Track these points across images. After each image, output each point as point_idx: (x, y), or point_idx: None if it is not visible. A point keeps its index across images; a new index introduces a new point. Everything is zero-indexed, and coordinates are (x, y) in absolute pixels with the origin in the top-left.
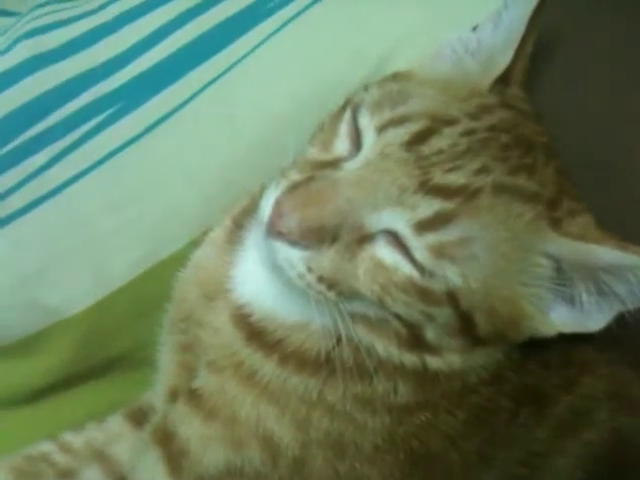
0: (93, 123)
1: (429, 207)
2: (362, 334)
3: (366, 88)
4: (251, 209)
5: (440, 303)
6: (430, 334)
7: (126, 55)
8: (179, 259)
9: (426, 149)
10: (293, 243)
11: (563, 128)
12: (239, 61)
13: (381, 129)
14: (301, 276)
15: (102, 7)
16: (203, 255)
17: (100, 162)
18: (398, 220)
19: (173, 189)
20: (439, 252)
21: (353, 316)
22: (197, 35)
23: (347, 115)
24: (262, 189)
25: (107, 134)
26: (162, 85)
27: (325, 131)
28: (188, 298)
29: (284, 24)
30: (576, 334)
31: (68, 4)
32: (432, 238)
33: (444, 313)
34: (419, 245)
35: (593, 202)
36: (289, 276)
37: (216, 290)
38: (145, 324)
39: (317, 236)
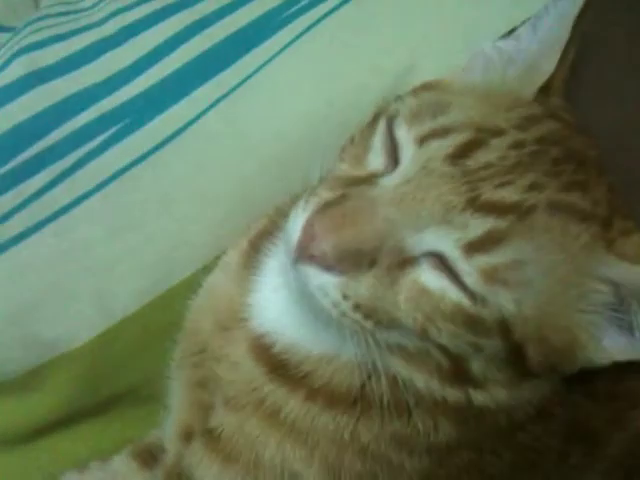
0: (95, 143)
1: (480, 226)
2: (400, 366)
3: (400, 98)
4: (268, 231)
5: (490, 333)
6: (476, 367)
7: (129, 71)
8: (190, 286)
9: (473, 163)
10: (327, 268)
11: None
12: (249, 77)
13: (422, 141)
14: (336, 304)
15: (102, 21)
16: (216, 281)
17: (103, 184)
18: (445, 241)
19: (182, 211)
20: (491, 276)
21: (390, 346)
22: (204, 49)
23: (381, 126)
24: (279, 211)
25: (111, 154)
26: (169, 102)
27: (356, 144)
28: (201, 329)
29: (296, 37)
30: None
31: (65, 18)
32: (484, 260)
33: (493, 344)
34: (469, 269)
35: None
36: (322, 304)
37: (232, 319)
38: (153, 357)
39: (354, 260)
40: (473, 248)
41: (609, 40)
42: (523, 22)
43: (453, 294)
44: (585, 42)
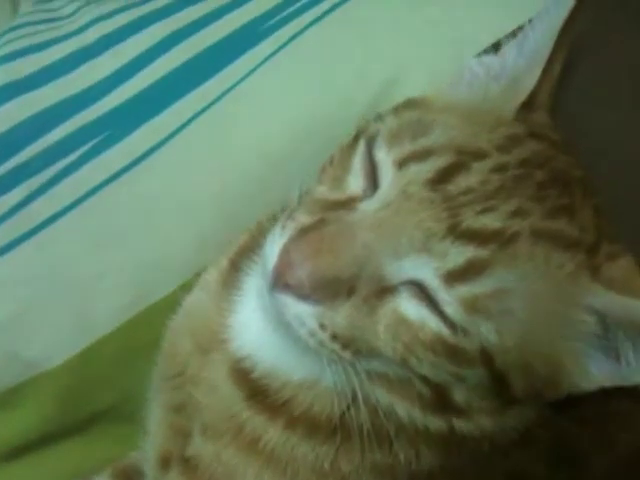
0: (74, 156)
1: (460, 254)
2: (380, 395)
3: (380, 117)
4: (249, 248)
5: (472, 363)
6: (459, 396)
7: (109, 82)
8: (170, 304)
9: (454, 188)
10: (304, 297)
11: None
12: (232, 88)
13: (401, 164)
14: (312, 334)
15: (81, 30)
16: (196, 301)
17: (83, 199)
18: (424, 269)
19: (163, 227)
20: (472, 306)
21: (370, 375)
22: (185, 60)
23: (361, 148)
24: (260, 226)
25: (90, 167)
26: (149, 114)
27: (335, 166)
28: (180, 350)
29: (280, 47)
30: None
31: (43, 26)
32: (464, 290)
33: (476, 373)
34: (449, 298)
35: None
36: (298, 334)
37: (211, 341)
38: (134, 375)
39: (331, 289)
40: (453, 277)
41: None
42: (507, 36)
43: (433, 324)
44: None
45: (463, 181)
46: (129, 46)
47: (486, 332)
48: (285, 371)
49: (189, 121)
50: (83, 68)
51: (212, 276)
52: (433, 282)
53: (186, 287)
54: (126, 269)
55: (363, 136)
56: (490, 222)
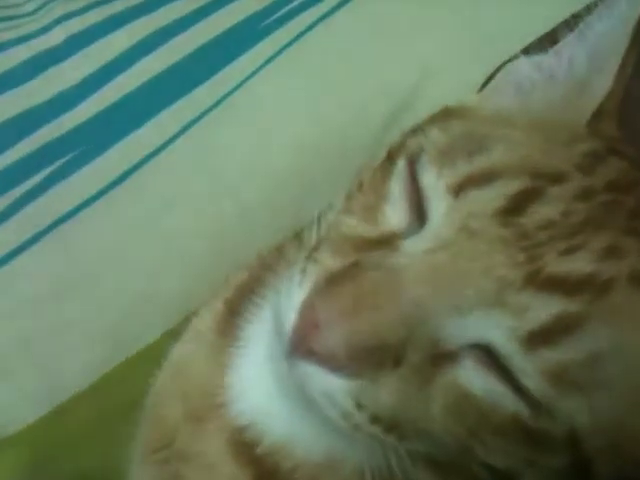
0: (36, 179)
1: (545, 309)
2: (425, 477)
3: (421, 130)
4: (249, 287)
5: (555, 449)
6: None
7: (79, 89)
8: (153, 356)
9: (529, 221)
10: (336, 368)
11: None
12: (226, 96)
13: (458, 190)
14: (346, 416)
15: (47, 29)
16: (185, 354)
17: (45, 231)
18: (496, 330)
19: (144, 262)
20: (560, 378)
21: (414, 456)
22: (170, 63)
23: (400, 169)
24: (262, 260)
25: (56, 193)
26: (128, 128)
27: (367, 192)
28: (167, 416)
29: (282, 48)
30: None
31: (4, 24)
32: (550, 356)
33: (555, 460)
34: (530, 368)
35: None
36: (325, 414)
37: (206, 405)
38: (110, 442)
39: (373, 357)
40: (535, 340)
41: None
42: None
43: (508, 402)
44: None
45: (540, 212)
46: (103, 48)
47: (577, 411)
48: (301, 447)
49: (175, 136)
50: (48, 74)
51: (205, 322)
52: (508, 346)
53: (172, 335)
54: (100, 314)
55: (402, 154)
56: (579, 265)
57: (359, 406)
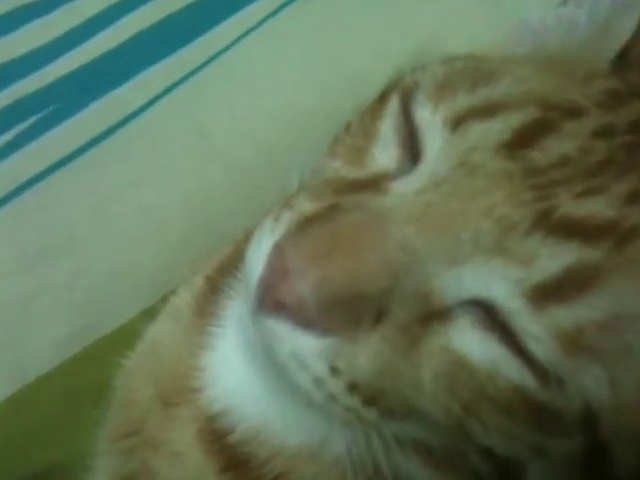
0: (7, 137)
1: (557, 258)
2: (416, 471)
3: (420, 67)
4: (233, 264)
5: (567, 430)
6: (534, 475)
7: (59, 44)
8: (126, 337)
9: (541, 155)
10: (305, 324)
11: None
12: (215, 57)
13: (456, 123)
14: (318, 382)
15: None
16: (161, 333)
17: (14, 193)
18: (497, 282)
19: (119, 234)
20: (574, 342)
21: (402, 442)
22: (157, 20)
23: (393, 106)
24: (249, 235)
25: (27, 152)
26: (108, 85)
27: (355, 133)
28: (136, 401)
29: (279, 8)
30: None
31: None
32: (562, 316)
33: (566, 444)
34: (538, 329)
35: None
36: (296, 382)
37: (178, 389)
38: (78, 429)
39: (350, 312)
40: (545, 295)
41: None
42: None
43: (511, 370)
44: None
45: (554, 146)
46: (85, 3)
47: (594, 383)
48: (277, 433)
49: (159, 96)
50: (27, 28)
51: (183, 300)
52: (511, 302)
53: (149, 315)
54: (68, 289)
55: (396, 91)
56: (600, 209)
57: (333, 371)
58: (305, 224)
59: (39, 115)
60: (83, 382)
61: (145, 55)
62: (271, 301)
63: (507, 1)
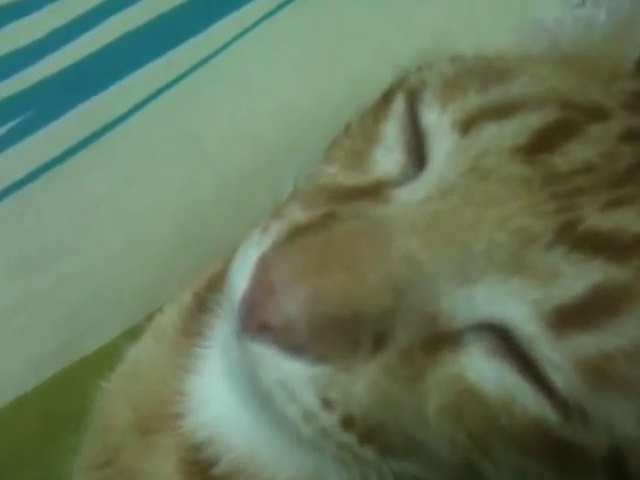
0: None
1: (582, 277)
2: None
3: (426, 66)
4: (223, 280)
5: (590, 469)
6: None
7: (43, 44)
8: (107, 358)
9: (562, 161)
10: (295, 349)
11: None
12: (207, 59)
13: (466, 125)
14: (309, 416)
15: None
16: (143, 354)
17: None
18: (515, 304)
19: (103, 248)
20: (600, 372)
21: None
22: (146, 20)
23: (397, 108)
24: (236, 248)
25: (3, 160)
26: (92, 89)
27: (354, 136)
28: (114, 427)
29: (280, 6)
30: None
31: None
32: (587, 343)
33: None
34: (560, 357)
35: None
36: (283, 413)
37: (159, 416)
38: (56, 456)
39: (345, 336)
40: (567, 319)
41: None
42: None
43: (528, 402)
44: None
45: (577, 151)
46: (70, 3)
47: (620, 417)
48: (266, 467)
49: (147, 100)
50: (10, 28)
51: (169, 318)
52: (529, 327)
53: (133, 334)
54: (48, 306)
55: (401, 91)
56: (629, 222)
57: (326, 403)
58: (295, 234)
59: (19, 119)
60: (62, 405)
61: (132, 57)
62: (255, 322)
63: (515, 1)
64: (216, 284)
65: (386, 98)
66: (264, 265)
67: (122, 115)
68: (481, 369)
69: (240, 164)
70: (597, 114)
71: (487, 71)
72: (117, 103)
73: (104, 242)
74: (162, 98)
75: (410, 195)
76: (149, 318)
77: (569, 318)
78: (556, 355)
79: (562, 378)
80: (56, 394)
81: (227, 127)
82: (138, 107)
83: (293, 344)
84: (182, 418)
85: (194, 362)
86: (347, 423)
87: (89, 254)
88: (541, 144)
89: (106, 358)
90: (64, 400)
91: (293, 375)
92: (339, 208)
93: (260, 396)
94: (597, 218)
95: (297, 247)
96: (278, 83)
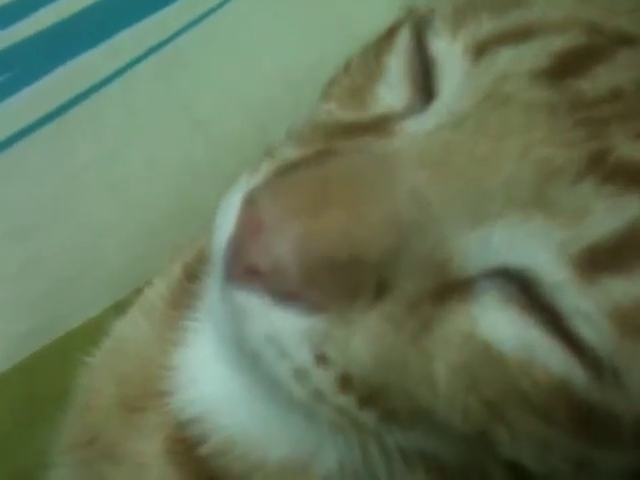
0: None
1: (615, 212)
2: None
3: None
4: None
5: (623, 440)
6: None
7: (19, 4)
8: (93, 334)
9: (589, 86)
10: (284, 297)
11: None
12: (200, 19)
13: (481, 51)
14: (302, 374)
15: None
16: (129, 328)
17: None
18: (537, 246)
19: (89, 218)
20: (635, 322)
21: (407, 457)
22: None
23: (403, 40)
24: None
25: None
26: (74, 50)
27: (355, 72)
28: (97, 405)
29: None
30: None
31: None
32: (621, 288)
33: (621, 458)
34: (590, 306)
35: None
36: (273, 374)
37: (145, 393)
38: (39, 439)
39: (342, 282)
40: (599, 261)
41: None
42: None
43: (552, 360)
44: None
45: (605, 76)
46: None
47: None
48: (257, 445)
49: (134, 62)
50: None
51: (158, 291)
52: (555, 271)
53: (120, 309)
54: (29, 276)
55: (406, 23)
56: None
57: (320, 359)
58: (288, 169)
59: None
60: (44, 386)
61: (120, 16)
62: (240, 266)
63: None
64: (207, 254)
65: (390, 32)
66: (251, 202)
67: (108, 77)
68: (496, 322)
69: (235, 130)
70: (625, 39)
71: None
72: (103, 65)
73: (90, 211)
74: (151, 60)
75: (417, 126)
76: (138, 292)
77: (600, 261)
78: (586, 304)
79: (592, 331)
80: (39, 372)
81: (221, 90)
82: (125, 69)
83: (283, 291)
84: (169, 395)
85: (183, 336)
86: (344, 383)
87: (73, 224)
88: (566, 68)
89: (92, 333)
90: (47, 382)
91: (283, 328)
92: (337, 144)
93: (248, 357)
94: (630, 147)
95: (289, 182)
96: (276, 43)
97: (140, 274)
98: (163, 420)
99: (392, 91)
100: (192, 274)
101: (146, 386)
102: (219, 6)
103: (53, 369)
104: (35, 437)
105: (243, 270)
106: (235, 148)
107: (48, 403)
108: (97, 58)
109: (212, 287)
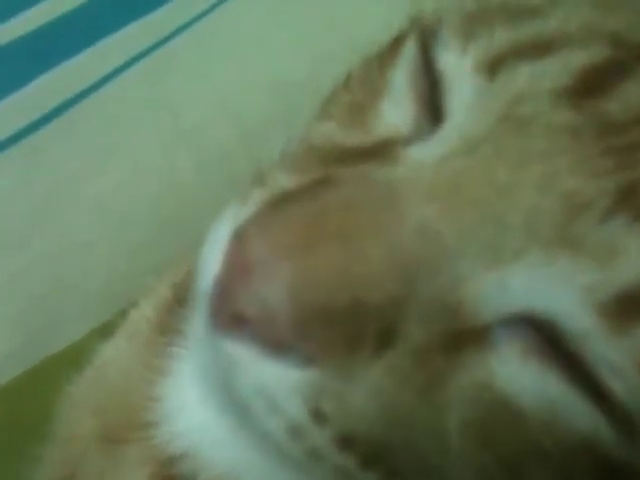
0: None
1: None
2: None
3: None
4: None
5: None
6: None
7: (3, 7)
8: (76, 358)
9: (617, 107)
10: (275, 347)
11: None
12: (192, 23)
13: (494, 67)
14: (296, 432)
15: None
16: (112, 354)
17: None
18: (562, 290)
19: (69, 233)
20: None
21: None
22: None
23: (408, 52)
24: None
25: None
26: (61, 55)
27: (355, 89)
28: (78, 436)
29: None
30: None
31: None
32: None
33: None
34: (620, 358)
35: None
36: (264, 426)
37: (128, 424)
38: (21, 471)
39: (341, 331)
40: (629, 309)
41: None
42: None
43: (577, 416)
44: None
45: (634, 95)
46: None
47: None
48: None
49: (122, 67)
50: None
51: (143, 314)
52: (581, 319)
53: (104, 332)
54: (6, 297)
55: (412, 34)
56: None
57: (317, 416)
58: (280, 202)
59: None
60: (24, 415)
61: (107, 20)
62: (226, 313)
63: None
64: (195, 277)
65: (396, 43)
66: (239, 240)
67: (93, 84)
68: (515, 375)
69: (223, 141)
70: None
71: (515, 6)
72: (89, 71)
73: (72, 228)
74: (139, 66)
75: (425, 152)
76: (123, 314)
77: (632, 307)
78: (616, 355)
79: (623, 385)
80: (18, 403)
81: (209, 99)
82: (111, 76)
83: (274, 341)
84: (154, 427)
85: (168, 363)
86: (344, 442)
87: (54, 241)
88: (590, 87)
89: (75, 358)
90: (27, 410)
91: (274, 380)
92: (335, 172)
93: (237, 406)
94: None
95: (281, 218)
96: (269, 51)
97: (124, 295)
98: (148, 454)
99: (396, 109)
100: (182, 296)
101: (129, 417)
102: (207, 12)
103: (34, 395)
104: (14, 469)
105: (229, 317)
106: (221, 159)
107: (27, 434)
108: (83, 64)
109: (197, 325)
